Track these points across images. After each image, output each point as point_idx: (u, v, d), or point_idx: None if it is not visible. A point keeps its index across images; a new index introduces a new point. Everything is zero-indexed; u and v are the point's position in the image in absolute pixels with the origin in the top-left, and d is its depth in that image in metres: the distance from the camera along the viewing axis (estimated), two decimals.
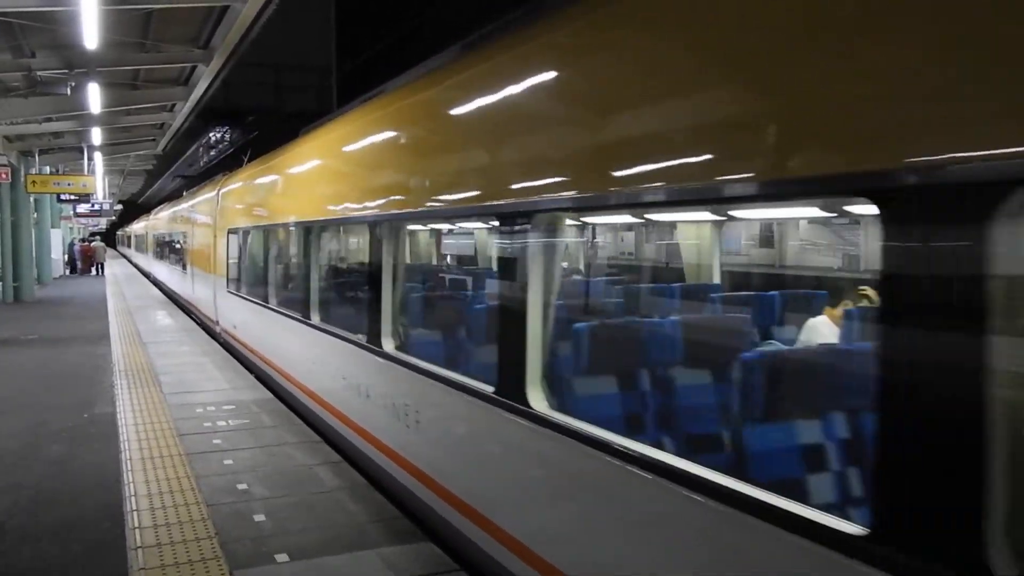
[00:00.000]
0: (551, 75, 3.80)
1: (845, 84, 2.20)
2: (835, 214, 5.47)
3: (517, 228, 3.77)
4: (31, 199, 24.55)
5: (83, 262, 38.32)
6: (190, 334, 14.61)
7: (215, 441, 7.06)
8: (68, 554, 4.80)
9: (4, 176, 19.88)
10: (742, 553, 2.55)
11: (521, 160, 3.97)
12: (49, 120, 19.34)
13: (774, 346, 5.02)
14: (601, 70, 3.39)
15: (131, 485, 5.80)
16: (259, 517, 5.21)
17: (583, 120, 3.50)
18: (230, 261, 12.37)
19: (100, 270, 37.53)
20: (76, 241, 44.20)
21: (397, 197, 5.62)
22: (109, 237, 72.00)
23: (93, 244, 41.30)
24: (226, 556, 4.57)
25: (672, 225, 7.25)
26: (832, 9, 2.29)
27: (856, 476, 3.14)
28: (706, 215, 5.50)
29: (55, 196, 26.15)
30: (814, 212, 5.34)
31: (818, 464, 3.18)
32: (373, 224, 5.92)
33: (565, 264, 5.41)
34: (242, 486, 5.83)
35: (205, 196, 16.14)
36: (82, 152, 24.96)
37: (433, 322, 6.58)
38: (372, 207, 6.09)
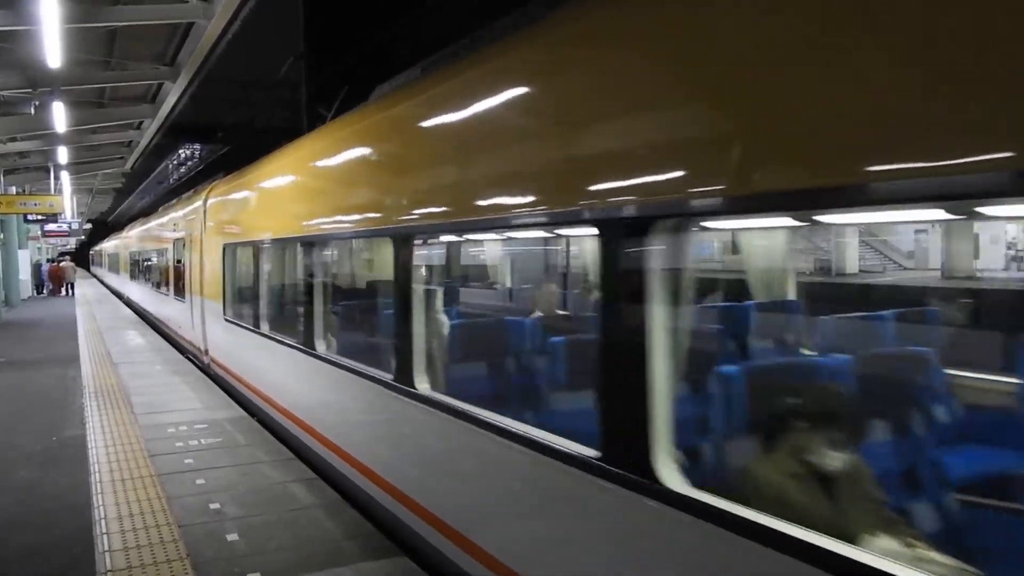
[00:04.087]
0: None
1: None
2: None
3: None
4: None
5: (53, 283, 37.52)
6: (162, 354, 14.44)
7: (187, 461, 6.97)
8: None
9: None
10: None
11: None
12: (14, 140, 19.11)
13: None
14: None
15: (101, 508, 5.71)
16: (232, 536, 5.15)
17: None
18: None
19: (70, 290, 36.91)
20: (45, 262, 43.41)
21: None
22: (82, 256, 70.93)
23: (63, 264, 40.46)
24: None
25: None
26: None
27: None
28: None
29: (22, 216, 25.77)
30: None
31: None
32: None
33: None
34: (215, 506, 5.76)
35: None
36: (49, 171, 24.66)
37: None
38: None
